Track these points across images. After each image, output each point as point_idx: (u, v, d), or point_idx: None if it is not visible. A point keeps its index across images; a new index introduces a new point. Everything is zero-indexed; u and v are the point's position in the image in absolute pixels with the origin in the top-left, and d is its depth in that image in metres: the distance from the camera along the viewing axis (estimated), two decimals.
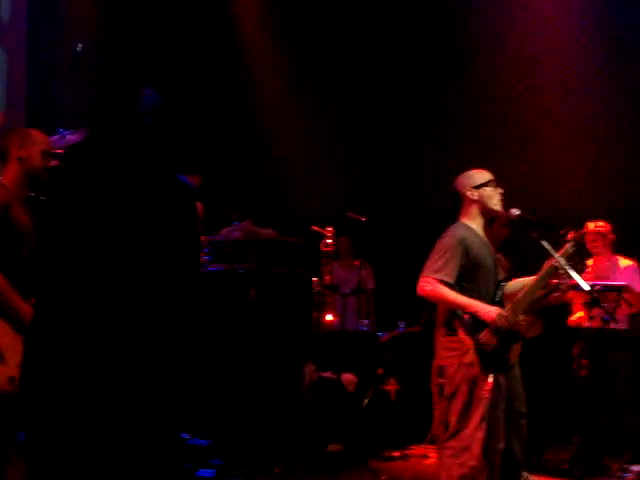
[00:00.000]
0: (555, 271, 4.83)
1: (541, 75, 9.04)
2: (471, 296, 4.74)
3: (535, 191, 8.35)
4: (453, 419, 4.74)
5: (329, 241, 8.17)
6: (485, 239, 4.95)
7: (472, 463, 4.66)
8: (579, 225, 5.21)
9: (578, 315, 7.14)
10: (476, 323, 4.69)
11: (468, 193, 4.91)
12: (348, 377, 7.38)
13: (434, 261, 4.79)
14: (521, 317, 4.78)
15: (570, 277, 4.82)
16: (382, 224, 8.86)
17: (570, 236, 4.93)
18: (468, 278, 4.77)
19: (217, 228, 7.24)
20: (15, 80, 8.57)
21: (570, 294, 6.47)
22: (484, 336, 4.69)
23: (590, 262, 7.09)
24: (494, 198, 4.90)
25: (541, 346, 6.34)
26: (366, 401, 7.39)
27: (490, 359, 4.70)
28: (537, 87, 9.05)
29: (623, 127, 8.83)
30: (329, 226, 8.22)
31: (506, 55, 9.11)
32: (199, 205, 8.17)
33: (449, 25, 9.41)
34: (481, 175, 4.95)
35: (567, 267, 4.78)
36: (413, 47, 9.57)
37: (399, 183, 9.85)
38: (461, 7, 9.27)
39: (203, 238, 7.07)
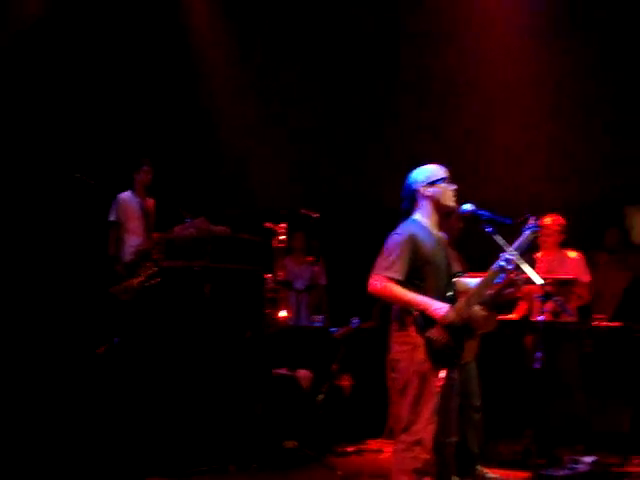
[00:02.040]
0: (508, 265, 4.87)
1: (493, 68, 9.13)
2: (422, 293, 4.76)
3: (487, 184, 8.44)
4: (405, 413, 4.77)
5: (282, 237, 8.17)
6: (437, 235, 4.96)
7: (424, 456, 4.70)
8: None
9: (525, 310, 7.24)
10: (427, 319, 4.71)
11: (422, 189, 4.93)
12: (303, 373, 7.40)
13: (384, 259, 4.80)
14: (474, 311, 4.81)
15: (523, 271, 4.88)
16: (335, 220, 8.89)
17: (530, 222, 4.97)
18: (418, 275, 4.78)
19: (170, 226, 7.23)
20: None
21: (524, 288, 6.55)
22: (435, 332, 4.71)
23: (538, 255, 7.21)
24: (448, 194, 4.92)
25: (491, 340, 6.41)
26: (321, 397, 7.41)
27: (441, 355, 4.72)
28: (489, 79, 9.14)
29: (575, 122, 8.96)
30: (282, 222, 8.23)
31: (454, 46, 9.18)
32: (151, 202, 8.18)
33: (395, 21, 9.46)
34: (435, 171, 4.96)
35: (520, 261, 4.84)
36: (361, 44, 9.61)
37: (351, 179, 9.90)
38: (406, 3, 9.33)
39: (157, 235, 7.06)
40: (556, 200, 8.27)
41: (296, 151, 9.88)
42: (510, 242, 4.91)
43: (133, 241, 7.91)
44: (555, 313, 6.62)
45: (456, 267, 5.02)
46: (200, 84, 9.96)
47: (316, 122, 9.89)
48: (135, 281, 6.78)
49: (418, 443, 4.71)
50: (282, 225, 8.17)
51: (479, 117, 9.24)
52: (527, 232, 4.96)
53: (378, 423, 7.60)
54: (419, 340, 4.71)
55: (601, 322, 7.21)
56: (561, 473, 6.33)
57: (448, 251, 5.01)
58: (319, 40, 9.69)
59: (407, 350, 4.75)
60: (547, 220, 7.32)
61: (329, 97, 9.81)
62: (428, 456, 4.70)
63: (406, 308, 4.76)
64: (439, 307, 4.70)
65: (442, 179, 4.93)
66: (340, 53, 9.68)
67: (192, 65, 9.89)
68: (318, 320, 8.22)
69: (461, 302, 4.79)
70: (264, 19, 9.81)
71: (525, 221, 4.98)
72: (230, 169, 9.85)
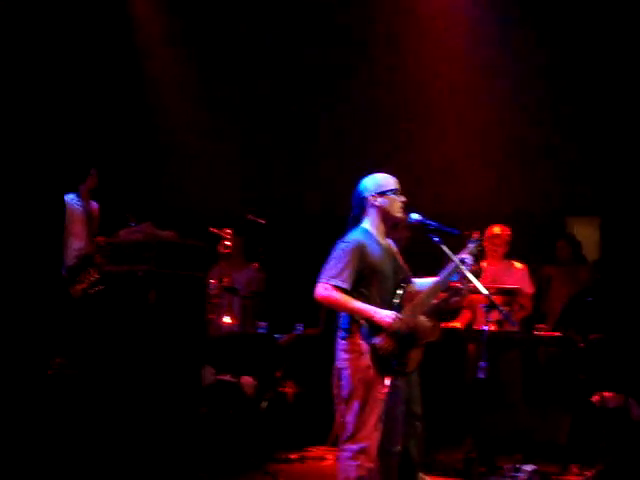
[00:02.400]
0: (455, 275, 4.93)
1: (445, 77, 9.19)
2: (368, 301, 4.78)
3: (433, 194, 8.50)
4: (350, 421, 4.80)
5: (227, 243, 8.15)
6: (385, 244, 4.99)
7: (369, 465, 4.73)
8: (478, 228, 5.31)
9: (468, 319, 7.31)
10: (372, 328, 4.74)
11: (371, 199, 4.96)
12: (247, 380, 7.37)
13: (331, 266, 4.82)
14: (420, 320, 4.84)
15: (469, 280, 4.93)
16: (283, 227, 8.89)
17: (475, 236, 5.05)
18: (365, 283, 4.81)
19: (116, 230, 7.15)
20: None
21: (468, 298, 6.61)
22: (380, 340, 4.74)
23: (484, 265, 7.28)
24: (396, 205, 4.96)
25: (433, 348, 6.45)
26: (264, 404, 7.38)
27: (386, 363, 4.75)
28: (431, 88, 9.20)
29: (524, 134, 9.07)
30: (228, 228, 8.20)
31: (404, 52, 9.23)
32: (95, 205, 8.09)
33: (342, 28, 9.47)
34: (386, 181, 5.00)
35: (466, 271, 4.89)
36: (310, 48, 9.61)
37: (297, 186, 9.90)
38: (355, 8, 9.35)
39: (101, 239, 6.98)
40: (498, 212, 8.36)
41: (244, 157, 9.85)
42: (456, 253, 4.97)
43: (76, 245, 7.81)
44: (499, 323, 6.69)
45: (403, 276, 5.04)
46: (146, 84, 9.87)
47: (264, 128, 9.87)
48: (78, 287, 6.69)
49: (363, 451, 4.73)
50: (228, 230, 8.15)
51: (422, 129, 9.31)
52: (471, 245, 5.04)
53: (321, 430, 7.59)
54: (364, 348, 4.73)
55: (543, 332, 7.29)
56: None
57: (396, 260, 5.04)
58: (266, 43, 9.66)
59: (353, 358, 4.77)
60: (496, 229, 7.41)
61: (280, 103, 9.79)
62: (372, 464, 4.73)
63: (353, 315, 4.78)
64: (385, 315, 4.72)
65: (392, 190, 4.97)
66: (291, 58, 9.67)
67: (138, 65, 9.79)
68: (262, 326, 8.20)
69: (407, 311, 4.82)
70: (208, 25, 9.75)
71: (470, 234, 5.05)
72: (177, 173, 9.78)
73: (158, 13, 9.78)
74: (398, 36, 9.17)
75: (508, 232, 7.47)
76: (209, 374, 7.17)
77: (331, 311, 4.96)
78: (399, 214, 4.98)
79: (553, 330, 7.42)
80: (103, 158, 8.27)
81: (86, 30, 9.05)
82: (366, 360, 4.72)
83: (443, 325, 5.91)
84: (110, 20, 9.37)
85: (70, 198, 7.94)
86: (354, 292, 4.78)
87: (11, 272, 6.93)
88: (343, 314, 4.87)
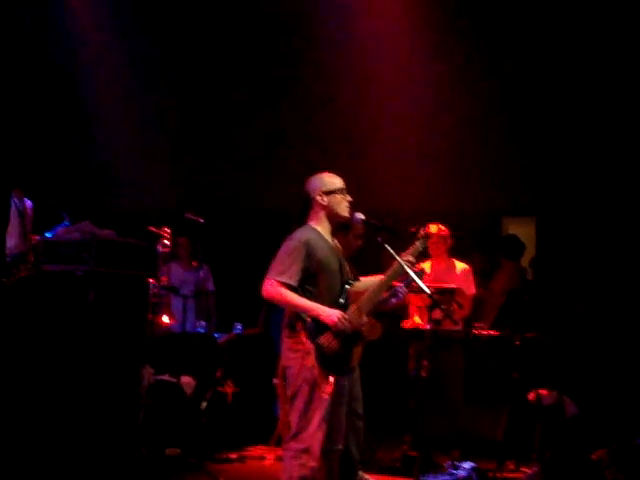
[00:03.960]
0: (399, 274, 4.98)
1: (377, 74, 9.25)
2: (315, 299, 4.80)
3: (374, 193, 8.54)
4: (294, 420, 4.80)
5: (166, 242, 8.07)
6: (332, 243, 5.02)
7: (312, 464, 4.74)
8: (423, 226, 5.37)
9: (415, 320, 7.35)
10: (318, 326, 4.75)
11: (318, 198, 4.98)
12: (186, 380, 7.33)
13: (278, 264, 4.83)
14: (364, 319, 4.88)
15: (413, 280, 4.98)
16: (220, 225, 8.85)
17: (421, 234, 5.09)
18: (312, 281, 4.83)
19: (49, 228, 7.04)
20: None
21: (408, 298, 6.67)
22: (325, 339, 4.76)
23: (427, 264, 7.34)
24: (342, 205, 4.99)
25: (372, 346, 6.49)
26: (204, 404, 7.35)
27: (331, 362, 4.77)
28: (373, 87, 9.26)
29: (453, 133, 9.17)
30: (166, 227, 8.13)
31: (341, 55, 9.27)
32: (29, 203, 7.94)
33: (284, 27, 9.48)
34: (332, 181, 5.02)
35: (410, 270, 4.94)
36: (251, 46, 9.59)
37: (238, 184, 9.87)
38: (296, 13, 9.36)
39: (35, 237, 6.87)
40: (436, 211, 8.43)
41: (183, 156, 9.79)
42: (399, 251, 5.01)
43: (9, 243, 7.68)
44: (437, 321, 6.74)
45: (348, 274, 5.07)
46: (79, 78, 9.72)
47: (204, 127, 9.82)
48: (7, 283, 6.57)
49: (306, 451, 4.74)
50: (166, 229, 8.07)
51: (361, 128, 9.37)
52: (418, 242, 5.09)
53: (261, 430, 7.59)
54: (310, 346, 4.74)
55: (481, 330, 7.38)
56: (441, 479, 6.43)
57: (341, 258, 5.06)
58: (205, 35, 9.59)
59: (298, 357, 4.78)
60: (433, 228, 7.46)
61: (215, 100, 9.74)
62: (316, 464, 4.75)
63: (298, 314, 4.79)
64: (331, 313, 4.74)
65: (338, 190, 4.99)
66: (232, 55, 9.63)
67: (70, 59, 9.62)
68: (202, 326, 8.16)
69: (352, 309, 4.85)
70: (144, 12, 9.61)
71: (417, 231, 5.10)
72: (114, 171, 9.67)
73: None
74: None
75: (445, 230, 7.53)
76: (148, 374, 7.10)
77: (270, 311, 5.01)
78: (345, 213, 5.01)
79: (490, 329, 7.51)
80: (39, 157, 8.14)
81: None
82: (311, 359, 4.73)
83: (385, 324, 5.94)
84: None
85: None
86: (300, 289, 4.79)
87: None
88: (288, 312, 4.87)
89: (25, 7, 9.20)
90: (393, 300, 5.64)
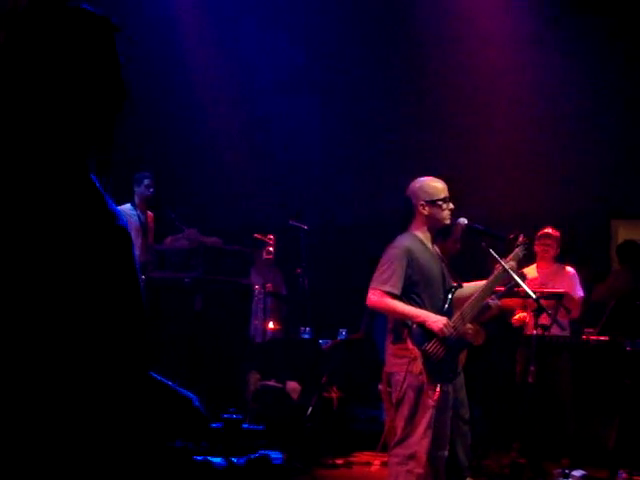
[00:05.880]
0: (502, 278, 4.93)
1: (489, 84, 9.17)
2: (419, 306, 4.78)
3: (480, 198, 8.45)
4: (400, 426, 4.78)
5: (271, 249, 8.16)
6: (433, 250, 4.99)
7: (418, 470, 4.70)
8: (527, 231, 5.29)
9: (520, 315, 7.24)
10: (424, 333, 4.72)
11: (420, 207, 4.94)
12: (292, 385, 7.38)
13: (381, 272, 4.83)
14: (469, 325, 4.84)
15: (517, 284, 4.91)
16: (326, 230, 8.88)
17: (520, 240, 5.03)
18: (415, 288, 4.81)
19: (162, 237, 7.19)
20: None
21: (505, 301, 6.54)
22: (432, 346, 4.73)
23: (531, 268, 7.22)
24: (445, 214, 4.94)
25: (482, 351, 6.42)
26: (310, 409, 7.38)
27: (437, 368, 4.73)
28: (488, 94, 9.17)
29: (575, 135, 9.01)
30: (270, 234, 8.22)
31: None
32: (150, 215, 8.06)
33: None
34: (436, 190, 4.94)
35: (514, 275, 4.88)
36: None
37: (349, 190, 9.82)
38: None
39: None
40: (545, 215, 8.30)
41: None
42: (502, 256, 4.96)
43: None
44: (545, 327, 6.62)
45: (450, 281, 5.03)
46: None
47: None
48: None
49: (412, 457, 4.71)
50: (270, 236, 8.16)
51: (471, 132, 9.28)
52: (518, 249, 5.02)
53: (366, 436, 7.58)
54: (416, 353, 4.72)
55: (590, 336, 7.22)
56: None
57: (443, 265, 5.03)
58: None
59: (403, 363, 4.75)
60: (547, 230, 7.36)
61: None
62: (422, 470, 4.70)
63: (403, 320, 4.77)
64: (437, 320, 4.72)
65: (441, 199, 4.94)
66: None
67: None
68: (306, 332, 8.21)
69: (457, 316, 4.82)
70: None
71: (517, 237, 5.03)
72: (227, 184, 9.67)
73: None
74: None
75: (558, 234, 7.42)
76: (255, 379, 7.18)
77: (372, 316, 4.98)
78: (447, 222, 4.97)
79: (599, 334, 7.35)
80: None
81: None
82: (417, 366, 4.70)
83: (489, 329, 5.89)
84: None
85: (126, 207, 7.83)
86: (405, 297, 4.78)
87: None
88: (391, 319, 4.87)
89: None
90: (487, 314, 5.57)
